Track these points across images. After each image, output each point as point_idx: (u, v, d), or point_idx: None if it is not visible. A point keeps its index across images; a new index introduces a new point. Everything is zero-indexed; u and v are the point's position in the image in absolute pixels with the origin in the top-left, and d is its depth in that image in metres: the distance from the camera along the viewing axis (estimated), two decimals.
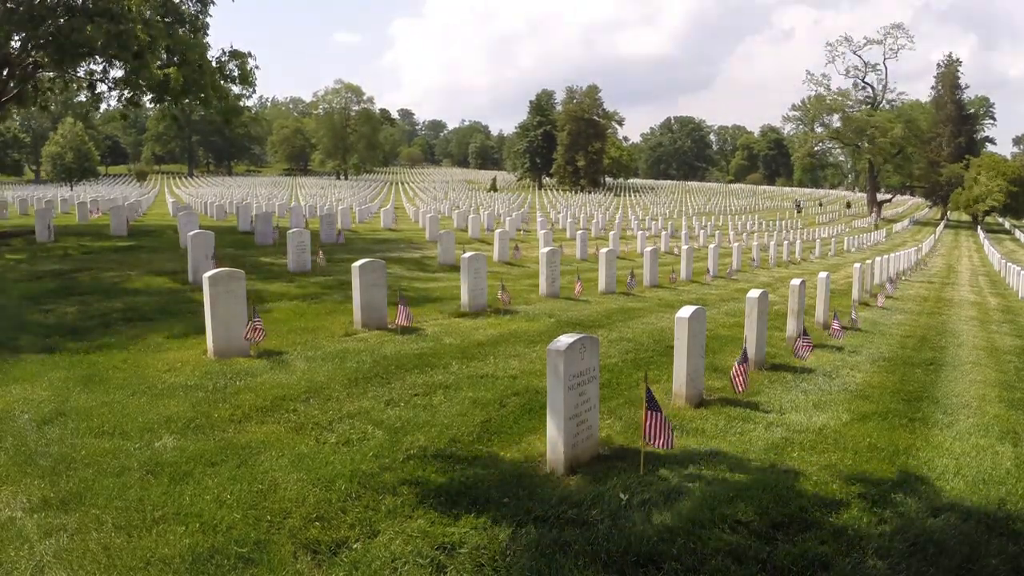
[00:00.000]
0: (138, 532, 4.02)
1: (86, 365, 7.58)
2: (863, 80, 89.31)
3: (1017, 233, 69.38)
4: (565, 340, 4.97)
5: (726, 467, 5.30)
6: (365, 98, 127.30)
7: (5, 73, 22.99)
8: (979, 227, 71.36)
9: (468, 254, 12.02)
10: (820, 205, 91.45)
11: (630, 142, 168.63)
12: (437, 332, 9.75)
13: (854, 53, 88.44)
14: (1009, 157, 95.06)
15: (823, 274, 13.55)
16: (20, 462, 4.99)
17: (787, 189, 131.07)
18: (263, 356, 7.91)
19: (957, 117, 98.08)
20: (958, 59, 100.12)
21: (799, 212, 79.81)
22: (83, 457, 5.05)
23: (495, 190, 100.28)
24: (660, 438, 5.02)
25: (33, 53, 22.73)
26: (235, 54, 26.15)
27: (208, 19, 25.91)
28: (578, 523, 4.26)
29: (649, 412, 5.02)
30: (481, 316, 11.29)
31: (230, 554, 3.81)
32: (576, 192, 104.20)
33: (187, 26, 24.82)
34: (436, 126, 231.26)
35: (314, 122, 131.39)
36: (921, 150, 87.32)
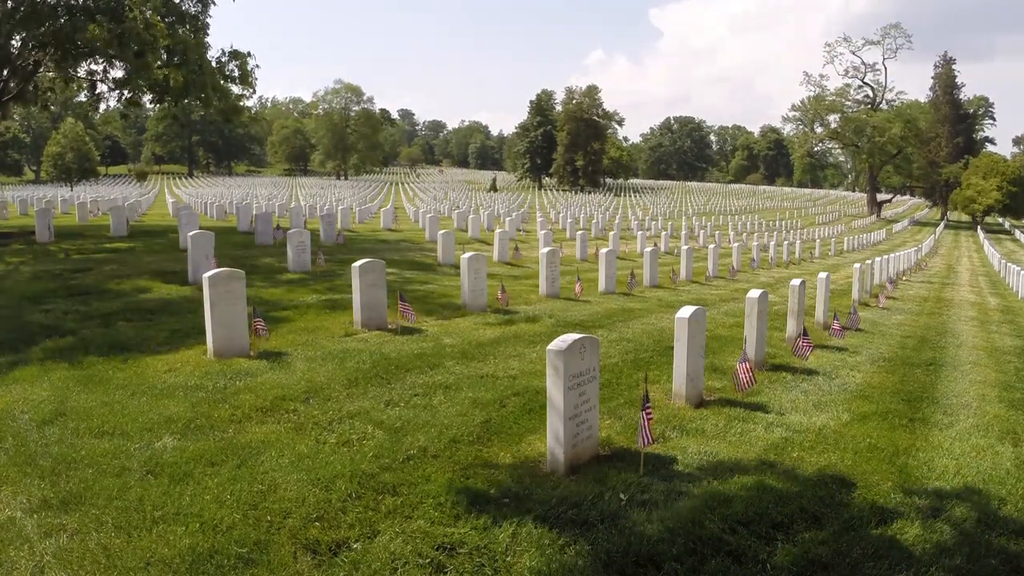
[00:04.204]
0: (138, 532, 4.02)
1: (86, 365, 7.57)
2: (862, 80, 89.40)
3: (1017, 233, 69.40)
4: (565, 340, 4.97)
5: (726, 467, 5.30)
6: (365, 98, 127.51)
7: (6, 73, 22.98)
8: (979, 227, 71.41)
9: (468, 254, 12.01)
10: None
11: (630, 142, 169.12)
12: (437, 332, 9.75)
13: (853, 54, 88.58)
14: (1009, 157, 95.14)
15: (823, 274, 13.55)
16: (20, 462, 4.99)
17: (787, 189, 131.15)
18: (263, 356, 7.91)
19: (954, 117, 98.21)
20: (953, 58, 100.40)
21: None
22: (83, 457, 5.05)
23: (495, 190, 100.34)
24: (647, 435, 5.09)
25: (34, 53, 22.74)
26: (235, 54, 26.16)
27: (208, 19, 25.95)
28: (578, 523, 4.26)
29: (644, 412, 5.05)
30: (481, 316, 11.29)
31: (230, 554, 3.81)
32: (576, 192, 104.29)
33: (188, 26, 24.82)
34: (436, 126, 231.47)
35: (314, 122, 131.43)
36: (920, 150, 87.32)
